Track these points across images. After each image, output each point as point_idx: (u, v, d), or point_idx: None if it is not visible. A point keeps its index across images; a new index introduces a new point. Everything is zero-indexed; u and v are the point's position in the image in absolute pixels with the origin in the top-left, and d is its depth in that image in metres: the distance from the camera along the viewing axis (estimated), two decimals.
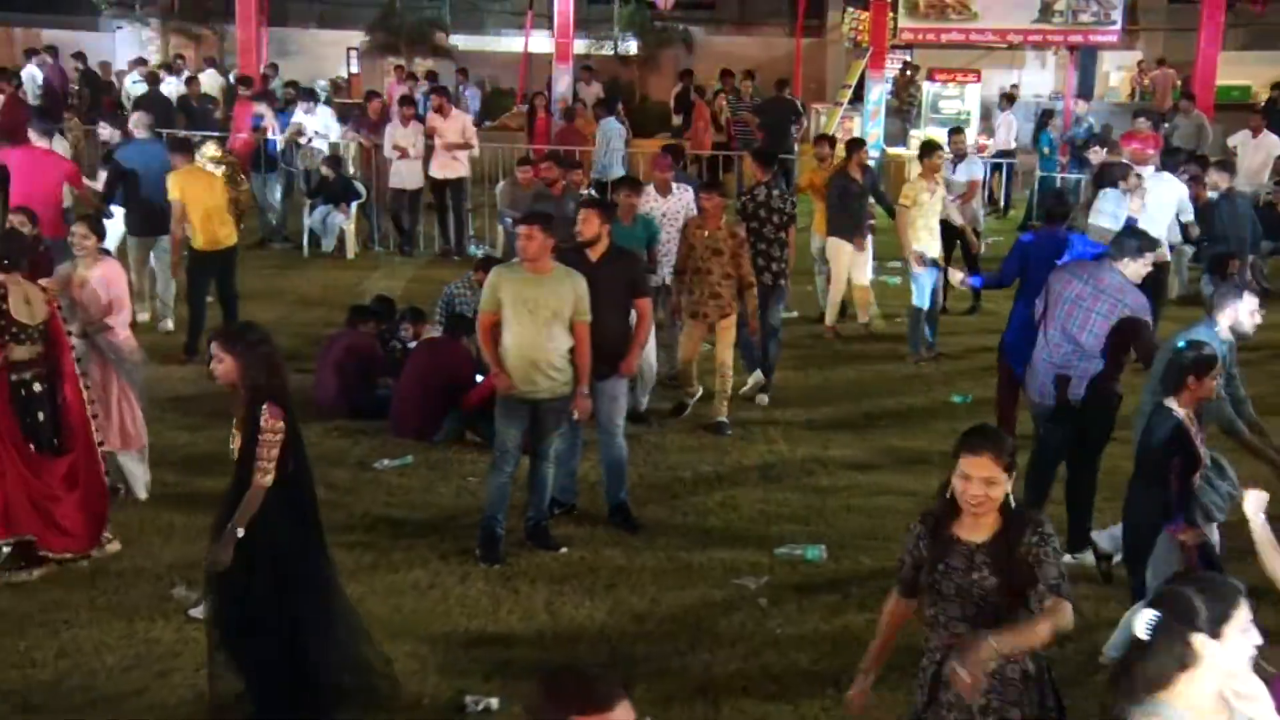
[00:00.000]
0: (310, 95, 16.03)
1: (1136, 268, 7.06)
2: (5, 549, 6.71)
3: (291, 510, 5.19)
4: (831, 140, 13.61)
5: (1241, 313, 6.36)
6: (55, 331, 6.95)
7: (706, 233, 9.11)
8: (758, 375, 10.18)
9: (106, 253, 8.19)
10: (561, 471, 7.63)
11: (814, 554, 7.23)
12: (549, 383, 7.01)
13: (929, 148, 11.58)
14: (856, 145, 12.46)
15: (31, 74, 19.03)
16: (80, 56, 21.72)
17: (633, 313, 7.67)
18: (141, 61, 19.70)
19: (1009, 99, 20.07)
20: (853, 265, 12.01)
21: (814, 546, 7.30)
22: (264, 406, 5.01)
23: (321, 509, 7.60)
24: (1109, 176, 10.74)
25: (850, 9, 26.10)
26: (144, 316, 11.24)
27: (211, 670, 5.30)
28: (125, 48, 24.62)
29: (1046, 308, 7.22)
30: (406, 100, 15.50)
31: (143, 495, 7.81)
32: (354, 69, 26.31)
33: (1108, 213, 10.18)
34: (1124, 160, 11.01)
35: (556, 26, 19.42)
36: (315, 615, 5.32)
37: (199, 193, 10.72)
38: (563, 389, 7.06)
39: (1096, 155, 12.58)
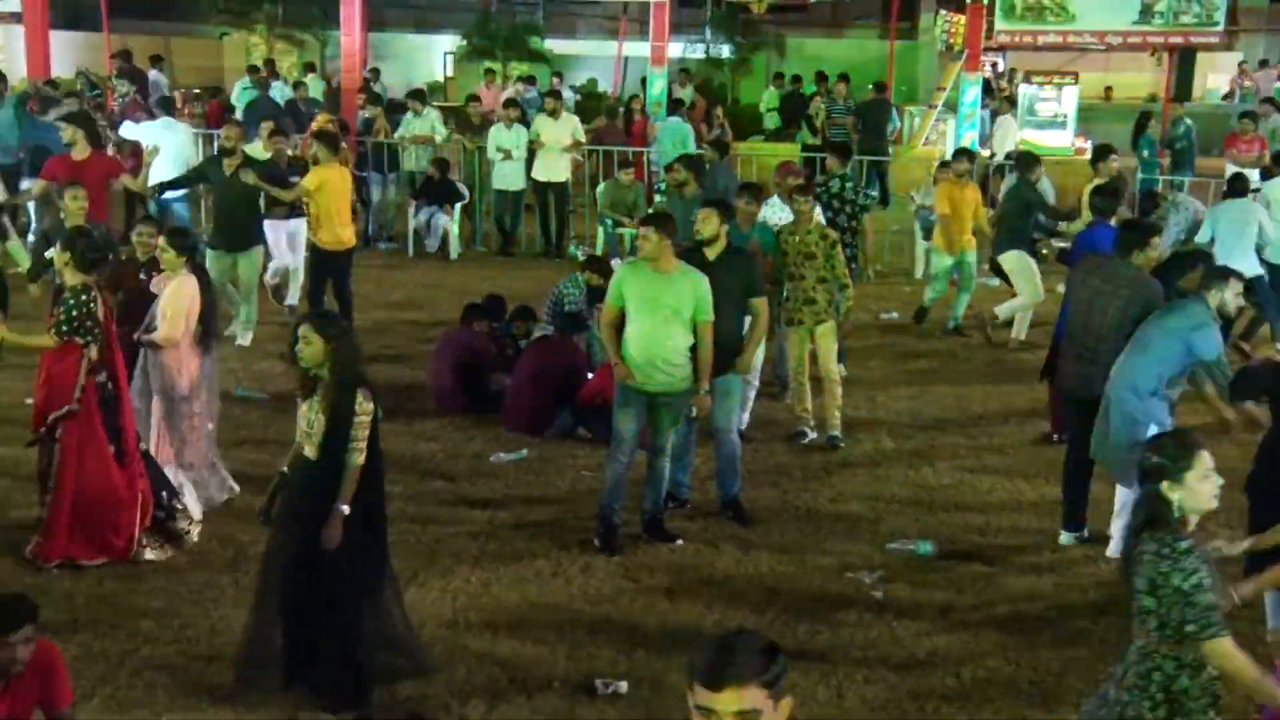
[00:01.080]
0: (419, 98, 16.39)
1: (1145, 257, 7.46)
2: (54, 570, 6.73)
3: (370, 487, 5.54)
4: (971, 155, 13.35)
5: (1228, 295, 6.87)
6: (110, 334, 6.98)
7: (798, 238, 9.10)
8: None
9: (198, 268, 7.87)
10: (676, 466, 7.84)
11: (925, 549, 7.36)
12: (666, 378, 7.22)
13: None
14: (1103, 154, 12.22)
15: (156, 80, 19.62)
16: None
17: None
18: (254, 69, 20.22)
19: (1010, 101, 19.77)
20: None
21: (925, 542, 7.43)
22: (359, 390, 5.33)
23: (444, 500, 8.06)
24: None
25: (943, 11, 26.07)
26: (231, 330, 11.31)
27: (258, 631, 5.67)
28: (232, 55, 25.31)
29: (1069, 302, 7.65)
30: (511, 103, 15.81)
31: (195, 515, 7.48)
32: (449, 72, 26.76)
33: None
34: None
35: (652, 30, 19.62)
36: (377, 587, 5.64)
37: (337, 189, 11.06)
38: (679, 385, 7.25)
39: None
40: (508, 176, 15.10)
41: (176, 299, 7.47)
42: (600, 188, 15.39)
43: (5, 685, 4.60)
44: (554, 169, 15.17)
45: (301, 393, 5.63)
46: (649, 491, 7.56)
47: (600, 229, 15.09)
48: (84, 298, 6.80)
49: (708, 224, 7.70)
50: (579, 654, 6.14)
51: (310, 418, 5.52)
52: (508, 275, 14.26)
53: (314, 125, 14.56)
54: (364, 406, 5.40)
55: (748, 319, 7.89)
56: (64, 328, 6.77)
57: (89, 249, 6.92)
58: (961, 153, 13.15)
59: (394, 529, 7.46)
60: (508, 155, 14.95)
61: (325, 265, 11.11)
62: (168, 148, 12.49)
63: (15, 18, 21.90)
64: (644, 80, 21.17)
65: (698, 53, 25.58)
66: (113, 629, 6.20)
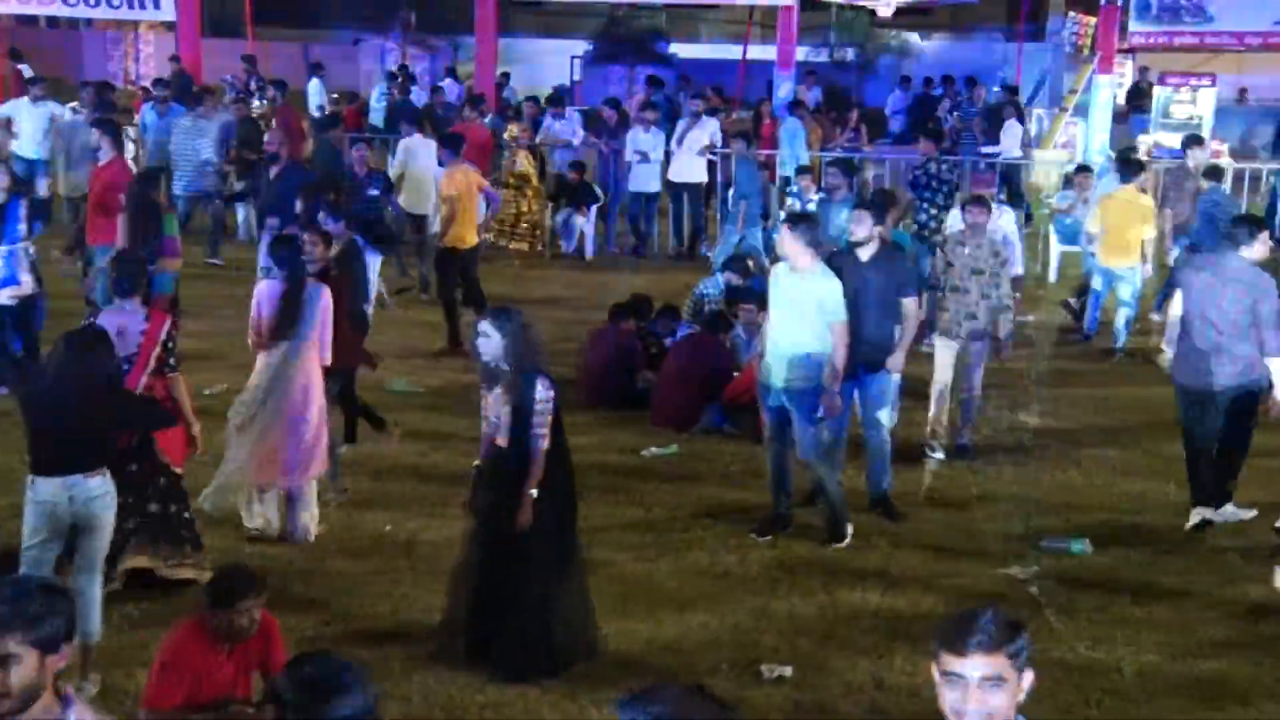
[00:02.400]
0: (558, 103, 16.78)
1: (1254, 251, 7.56)
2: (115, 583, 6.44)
3: (557, 470, 5.86)
4: (1141, 164, 13.00)
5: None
6: (137, 364, 6.61)
7: (968, 250, 8.89)
8: None
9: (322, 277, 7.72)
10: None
11: (1079, 547, 7.45)
12: (793, 375, 7.40)
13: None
14: (1193, 142, 12.23)
15: (317, 86, 20.29)
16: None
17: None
18: (392, 76, 20.82)
19: (1014, 105, 19.36)
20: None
21: (1079, 540, 7.52)
22: (538, 379, 5.60)
23: (599, 492, 8.34)
24: None
25: (1071, 13, 25.79)
26: None
27: (453, 608, 6.04)
28: (367, 60, 26.07)
29: (1184, 300, 7.86)
30: (650, 106, 16.10)
31: (303, 539, 7.41)
32: (577, 76, 27.20)
33: None
34: None
35: (779, 33, 19.81)
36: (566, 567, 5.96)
37: (464, 190, 11.44)
38: (806, 383, 7.37)
39: None
40: (644, 178, 15.37)
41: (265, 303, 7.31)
42: (732, 189, 15.62)
43: (231, 649, 4.99)
44: (690, 171, 15.42)
45: (485, 385, 5.94)
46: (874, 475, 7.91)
47: (728, 229, 15.28)
48: (170, 331, 6.73)
49: (861, 225, 7.88)
50: (743, 640, 6.37)
51: (497, 409, 5.82)
52: (642, 276, 14.52)
53: (508, 133, 15.07)
54: (543, 395, 5.69)
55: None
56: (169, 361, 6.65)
57: (126, 273, 6.84)
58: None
59: None
60: (645, 157, 15.23)
61: (450, 263, 11.53)
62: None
63: (168, 27, 22.91)
64: (770, 83, 21.36)
65: (821, 56, 25.66)
66: (305, 606, 6.57)
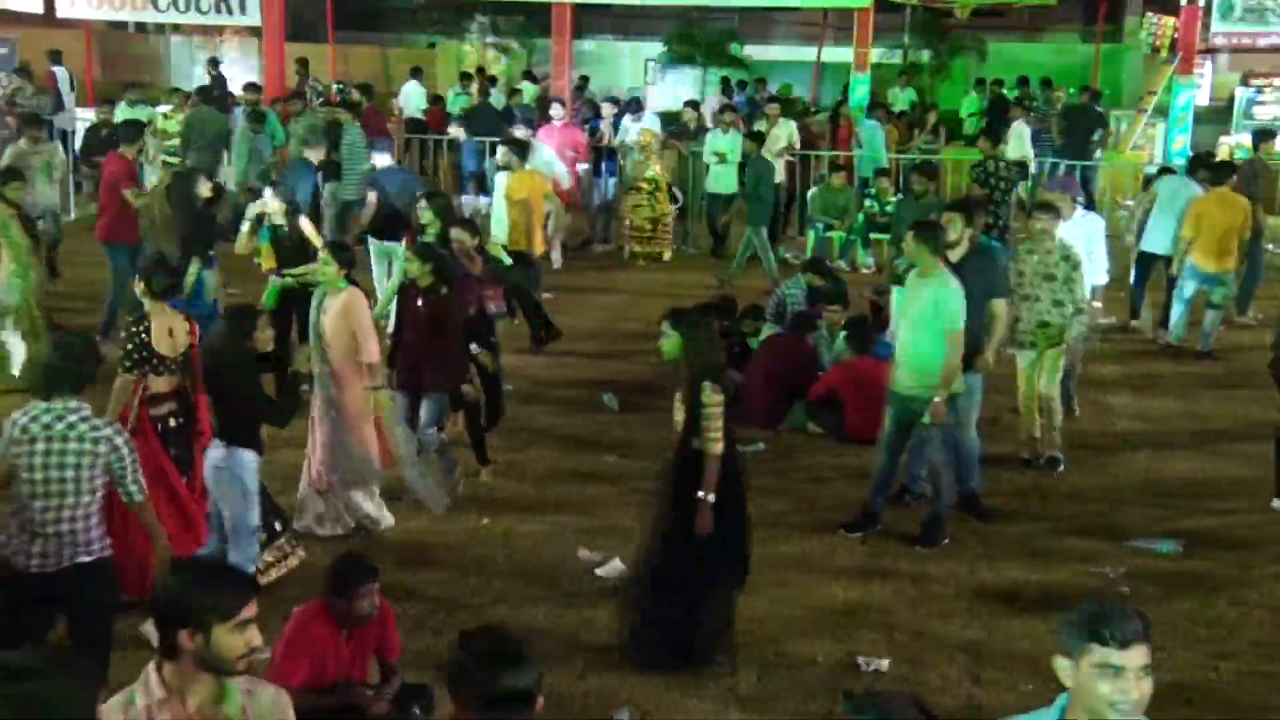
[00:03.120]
0: (637, 105, 16.94)
1: None
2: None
3: (729, 472, 5.93)
4: (1232, 167, 12.82)
5: None
6: (193, 362, 6.79)
7: (1037, 256, 8.74)
8: None
9: (352, 282, 7.60)
10: (914, 461, 8.11)
11: (1168, 548, 7.48)
12: (912, 381, 7.52)
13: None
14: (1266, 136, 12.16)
15: (416, 88, 20.60)
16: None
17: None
18: (467, 77, 21.07)
19: (1021, 106, 19.00)
20: None
21: (1167, 541, 7.54)
22: (708, 382, 5.70)
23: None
24: None
25: (1149, 13, 25.50)
26: None
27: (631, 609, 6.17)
28: (444, 63, 26.39)
29: None
30: (729, 108, 16.21)
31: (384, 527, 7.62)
32: (650, 79, 27.35)
33: None
34: None
35: (856, 36, 19.82)
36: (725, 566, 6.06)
37: (534, 194, 11.61)
38: (924, 391, 7.47)
39: None
40: (722, 180, 15.48)
41: (360, 314, 7.30)
42: (811, 192, 15.70)
43: (350, 633, 5.18)
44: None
45: (671, 386, 6.15)
46: (962, 474, 7.92)
47: (811, 232, 15.37)
48: (134, 329, 6.74)
49: (952, 227, 7.95)
50: (839, 634, 6.48)
51: (677, 407, 5.98)
52: (717, 276, 14.64)
53: (641, 139, 15.22)
54: (712, 397, 5.76)
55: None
56: (123, 361, 6.72)
57: (161, 277, 6.98)
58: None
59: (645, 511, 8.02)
60: (723, 159, 15.33)
61: (515, 266, 11.59)
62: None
63: (252, 31, 23.35)
64: (846, 86, 21.37)
65: (895, 58, 25.60)
66: (407, 596, 6.75)
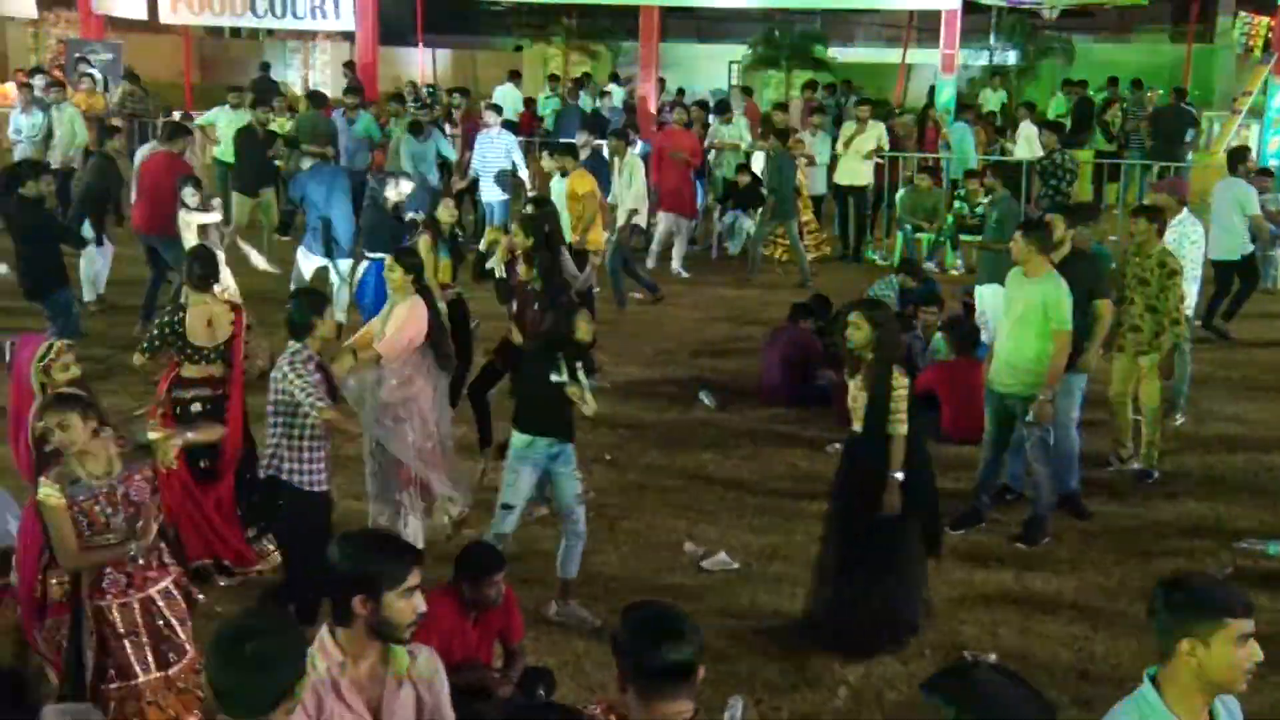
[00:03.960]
0: (726, 107, 17.08)
1: None
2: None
3: (913, 453, 6.25)
4: None
5: None
6: (234, 354, 6.94)
7: (1138, 260, 8.58)
8: None
9: (424, 290, 7.40)
10: (1014, 460, 8.17)
11: (1276, 549, 7.47)
12: (1013, 380, 7.59)
13: None
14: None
15: (505, 93, 20.95)
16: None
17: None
18: (554, 79, 21.35)
19: (1028, 106, 18.62)
20: None
21: (1276, 542, 7.53)
22: (895, 367, 6.05)
23: (790, 483, 8.61)
24: None
25: (1242, 13, 25.20)
26: None
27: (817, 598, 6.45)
28: (530, 66, 26.73)
29: None
30: (818, 110, 16.30)
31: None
32: (735, 81, 27.45)
33: None
34: None
35: (943, 38, 19.80)
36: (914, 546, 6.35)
37: (592, 193, 11.89)
38: (1025, 390, 7.54)
39: None
40: (810, 181, 15.57)
41: (408, 321, 7.10)
42: (900, 194, 15.73)
43: (477, 618, 5.39)
44: (856, 174, 15.56)
45: (849, 372, 6.36)
46: (1062, 473, 7.98)
47: (899, 234, 15.40)
48: (168, 316, 7.04)
49: (1055, 228, 8.00)
50: (942, 627, 6.58)
51: (855, 395, 6.25)
52: (810, 276, 14.73)
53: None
54: (899, 381, 6.10)
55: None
56: (141, 343, 7.10)
57: (200, 266, 7.12)
58: None
59: (759, 501, 8.17)
60: (811, 161, 15.42)
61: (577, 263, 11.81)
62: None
63: (344, 36, 23.84)
64: (931, 88, 21.35)
65: (982, 60, 25.50)
66: (519, 584, 6.92)
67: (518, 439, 6.50)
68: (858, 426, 6.28)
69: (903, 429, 6.11)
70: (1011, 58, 25.83)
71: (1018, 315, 7.55)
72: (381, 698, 3.40)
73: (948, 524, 7.77)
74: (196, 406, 6.90)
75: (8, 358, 5.73)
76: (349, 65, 20.65)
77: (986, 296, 10.52)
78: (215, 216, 10.96)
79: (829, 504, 6.59)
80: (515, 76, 22.08)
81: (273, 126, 15.12)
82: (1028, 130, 17.29)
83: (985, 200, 14.54)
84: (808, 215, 15.39)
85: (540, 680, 5.53)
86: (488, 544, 5.71)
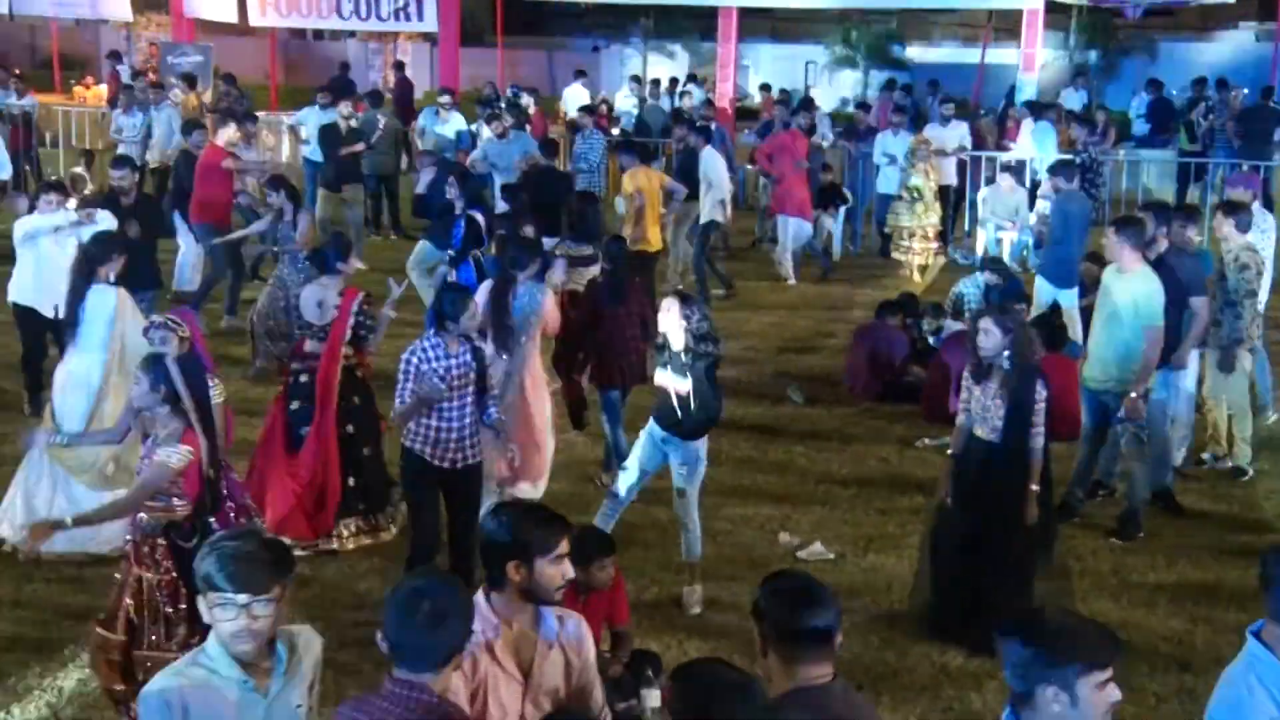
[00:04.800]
0: (809, 104, 17.15)
1: None
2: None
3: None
4: None
5: None
6: (333, 334, 7.43)
7: (1220, 256, 8.68)
8: None
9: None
10: (1107, 456, 8.19)
11: None
12: (1105, 375, 7.61)
13: None
14: None
15: (573, 92, 21.22)
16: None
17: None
18: (636, 80, 21.53)
19: (1040, 106, 18.07)
20: None
21: None
22: (1037, 378, 6.06)
23: (881, 479, 8.68)
24: None
25: None
26: None
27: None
28: (610, 67, 26.96)
29: None
30: (899, 109, 16.31)
31: None
32: (810, 80, 27.50)
33: None
34: None
35: (1024, 36, 19.72)
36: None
37: (649, 192, 12.04)
38: (1115, 385, 7.57)
39: None
40: (892, 181, 15.57)
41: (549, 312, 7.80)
42: (982, 193, 15.67)
43: (585, 600, 5.53)
44: (940, 173, 15.54)
45: (974, 378, 6.34)
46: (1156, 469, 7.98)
47: (982, 232, 15.36)
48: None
49: (1146, 225, 8.00)
50: None
51: (985, 402, 6.21)
52: (890, 275, 14.76)
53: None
54: (1040, 393, 6.07)
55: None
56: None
57: (329, 254, 7.76)
58: None
59: (852, 494, 8.25)
60: (893, 160, 15.43)
61: (636, 265, 11.55)
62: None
63: (425, 37, 24.20)
64: (1012, 86, 21.25)
65: (1062, 58, 25.30)
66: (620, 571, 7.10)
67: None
68: (982, 433, 6.24)
69: (1041, 440, 6.10)
70: (1092, 56, 25.61)
71: (1110, 311, 7.58)
72: (533, 660, 3.56)
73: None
74: (303, 378, 7.49)
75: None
76: (398, 66, 21.05)
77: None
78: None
79: (953, 507, 6.47)
80: (581, 75, 22.31)
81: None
82: (1037, 126, 17.13)
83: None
84: (934, 216, 15.20)
85: (648, 662, 5.66)
86: (599, 529, 5.86)
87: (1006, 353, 6.13)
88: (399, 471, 6.65)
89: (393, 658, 3.12)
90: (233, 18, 21.15)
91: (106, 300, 7.34)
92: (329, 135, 14.66)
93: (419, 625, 3.06)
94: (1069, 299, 10.62)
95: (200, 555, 3.29)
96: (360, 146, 14.88)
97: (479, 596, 3.54)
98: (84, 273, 7.41)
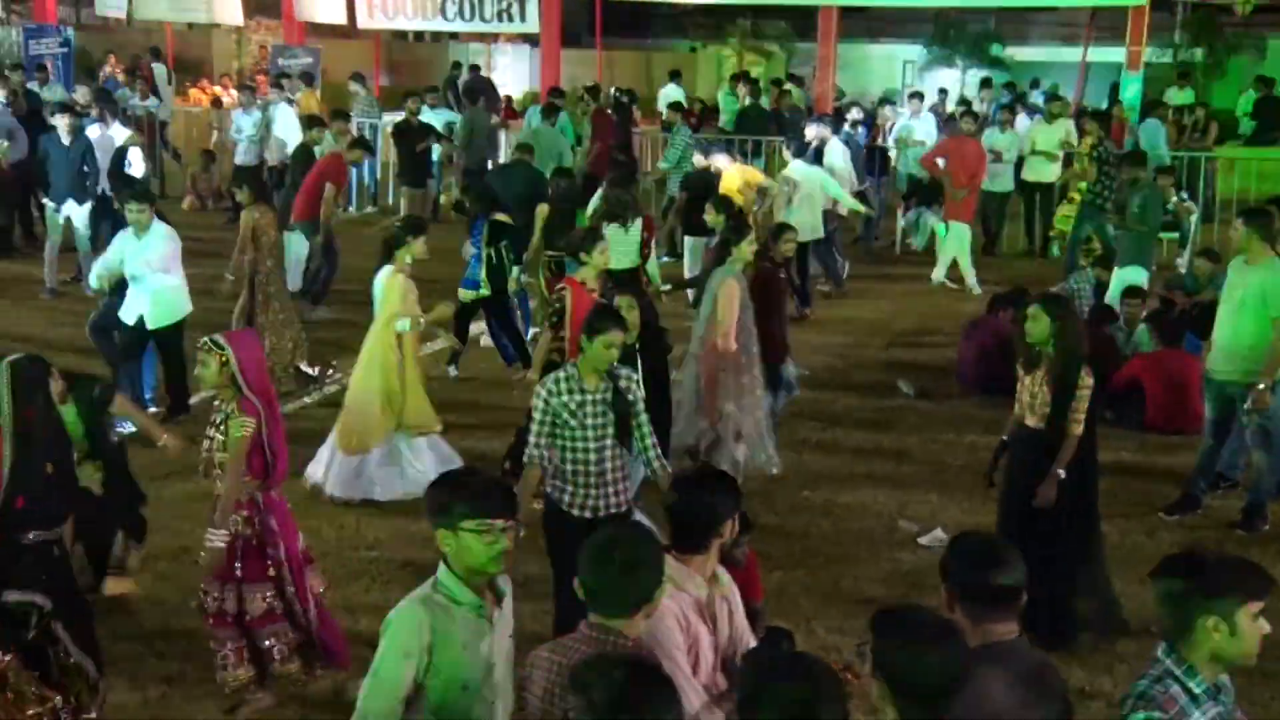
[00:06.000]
0: (919, 96, 17.23)
1: None
2: None
3: (1086, 453, 6.26)
4: None
5: None
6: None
7: None
8: None
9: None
10: (1230, 449, 8.16)
11: None
12: (1229, 366, 7.60)
13: None
14: None
15: (668, 93, 21.46)
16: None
17: None
18: (735, 78, 21.63)
19: (1019, 98, 17.63)
20: None
21: None
22: (1082, 366, 6.02)
23: (983, 472, 8.70)
24: None
25: None
26: None
27: None
28: (708, 68, 27.14)
29: None
30: (1007, 108, 16.29)
31: None
32: (909, 80, 27.40)
33: None
34: None
35: (1129, 34, 19.53)
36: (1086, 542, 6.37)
37: (732, 188, 12.25)
38: (1240, 377, 7.54)
39: None
40: (997, 178, 15.54)
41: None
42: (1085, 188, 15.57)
43: None
44: (1043, 171, 15.51)
45: (1024, 367, 6.35)
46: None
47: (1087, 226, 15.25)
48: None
49: (1276, 217, 7.97)
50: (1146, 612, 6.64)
51: (1033, 390, 6.23)
52: (993, 272, 14.72)
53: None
54: (1086, 380, 6.06)
55: None
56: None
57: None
58: None
59: (968, 482, 8.31)
60: (998, 157, 15.40)
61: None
62: None
63: (524, 38, 24.55)
64: (1114, 85, 21.06)
65: (1166, 57, 24.90)
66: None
67: None
68: (1030, 421, 6.20)
69: (1079, 429, 6.04)
70: (1197, 54, 25.19)
71: (1237, 302, 7.56)
72: (715, 611, 3.90)
73: (1162, 510, 7.88)
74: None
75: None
76: (474, 68, 21.44)
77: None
78: None
79: (1009, 494, 6.48)
80: (675, 76, 22.50)
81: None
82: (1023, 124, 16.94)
83: (1176, 197, 14.41)
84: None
85: (782, 637, 5.80)
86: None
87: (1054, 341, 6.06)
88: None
89: (588, 603, 3.32)
90: (342, 19, 21.65)
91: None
92: (403, 133, 15.05)
93: (612, 573, 3.25)
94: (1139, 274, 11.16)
95: (440, 491, 3.51)
96: (427, 144, 15.34)
97: (670, 558, 3.72)
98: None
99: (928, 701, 2.93)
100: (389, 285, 7.99)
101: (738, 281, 7.73)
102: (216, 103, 20.44)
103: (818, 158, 13.63)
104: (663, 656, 3.50)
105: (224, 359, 5.34)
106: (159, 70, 20.61)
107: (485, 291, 10.31)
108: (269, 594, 5.47)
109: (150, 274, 8.93)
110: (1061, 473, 6.07)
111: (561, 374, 5.63)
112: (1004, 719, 3.18)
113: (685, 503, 3.93)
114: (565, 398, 5.51)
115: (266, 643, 5.50)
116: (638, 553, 3.30)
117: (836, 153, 13.79)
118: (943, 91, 22.23)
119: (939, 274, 14.42)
